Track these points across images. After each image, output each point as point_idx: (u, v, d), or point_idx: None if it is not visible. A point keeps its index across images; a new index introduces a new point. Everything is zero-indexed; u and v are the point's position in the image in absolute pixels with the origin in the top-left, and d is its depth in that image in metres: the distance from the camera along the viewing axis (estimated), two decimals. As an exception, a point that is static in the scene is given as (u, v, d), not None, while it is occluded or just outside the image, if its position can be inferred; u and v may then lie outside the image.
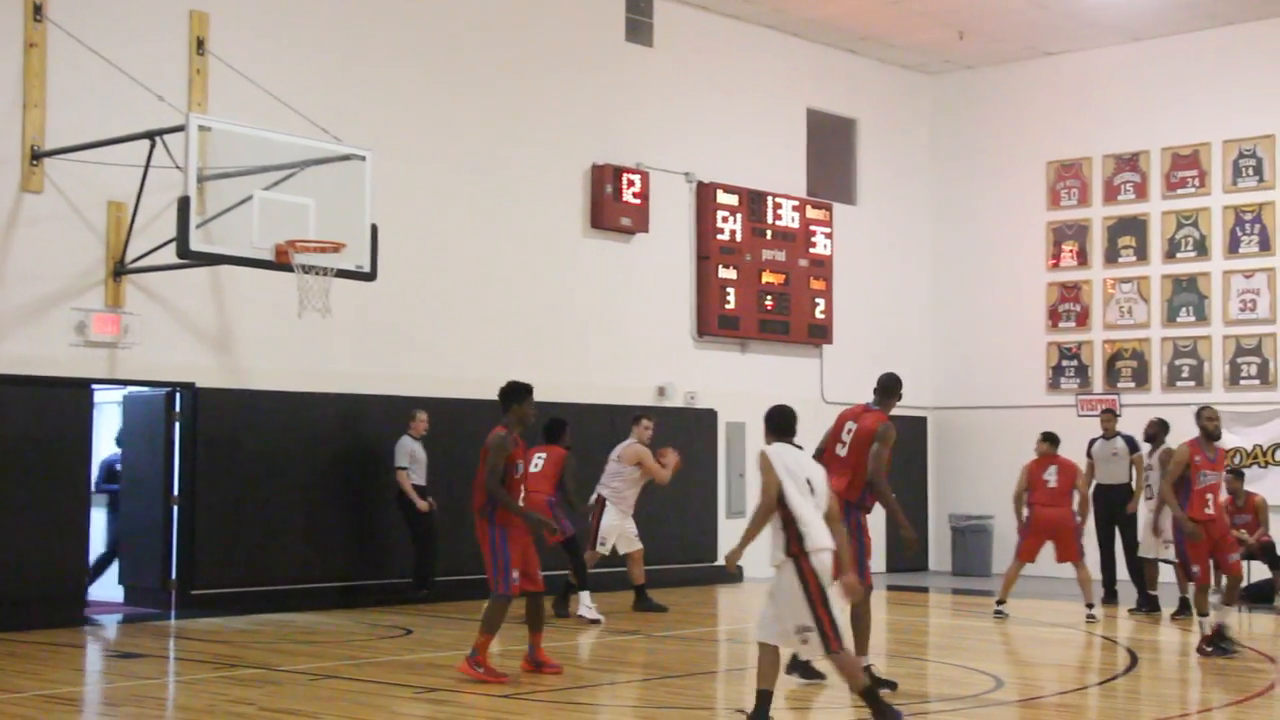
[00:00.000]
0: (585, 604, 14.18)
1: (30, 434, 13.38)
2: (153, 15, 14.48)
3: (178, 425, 14.79)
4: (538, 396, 17.03)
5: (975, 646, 13.68)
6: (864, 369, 21.39)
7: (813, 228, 20.64)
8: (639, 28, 19.01)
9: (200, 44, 14.66)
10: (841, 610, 8.54)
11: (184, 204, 12.40)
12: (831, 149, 21.66)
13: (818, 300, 20.62)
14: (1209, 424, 12.42)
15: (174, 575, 14.67)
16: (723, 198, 19.64)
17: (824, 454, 10.24)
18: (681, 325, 19.39)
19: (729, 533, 19.02)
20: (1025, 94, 21.84)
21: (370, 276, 13.60)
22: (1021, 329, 21.64)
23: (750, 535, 8.53)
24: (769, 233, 20.09)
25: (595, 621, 14.00)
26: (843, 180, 21.82)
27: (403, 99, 16.48)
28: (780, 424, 8.84)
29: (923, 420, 22.26)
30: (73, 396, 13.85)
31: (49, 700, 9.81)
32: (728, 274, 19.61)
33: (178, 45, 14.58)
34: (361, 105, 15.81)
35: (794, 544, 8.30)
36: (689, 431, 18.40)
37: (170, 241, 12.85)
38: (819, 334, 20.69)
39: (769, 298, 20.01)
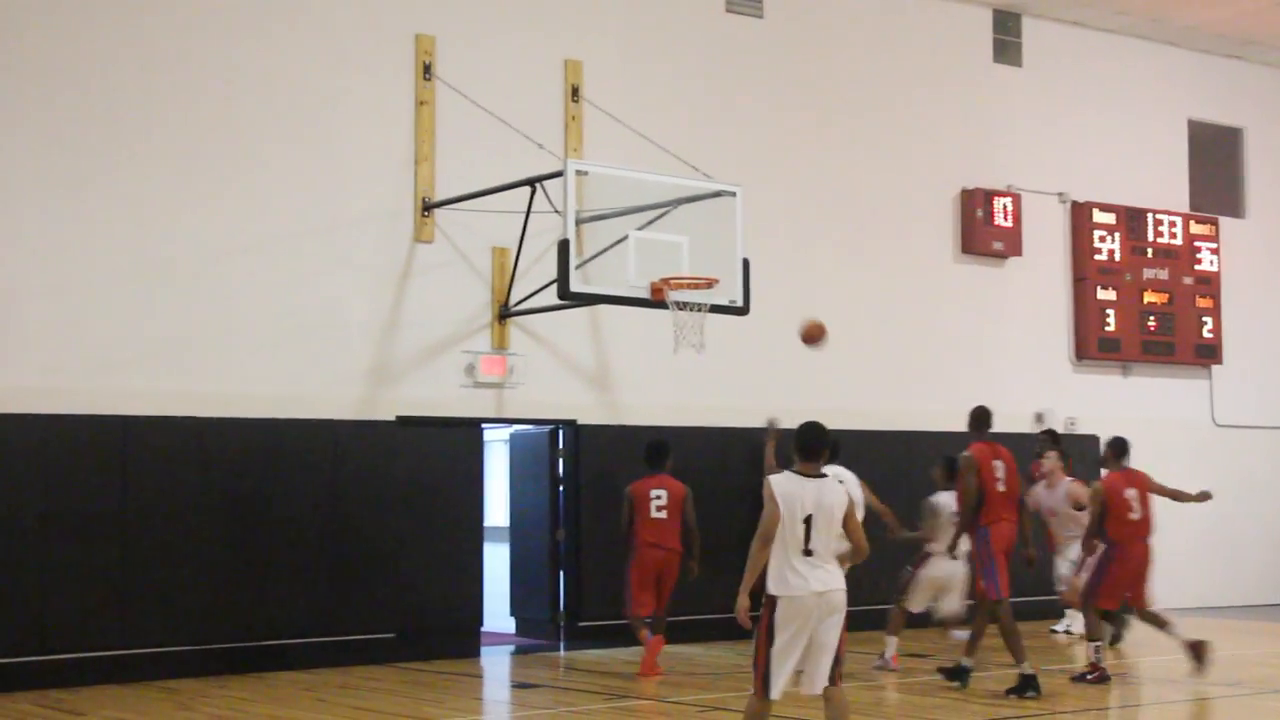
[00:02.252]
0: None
1: (427, 472, 14.03)
2: (530, 67, 15.06)
3: (561, 461, 15.25)
4: (915, 425, 17.08)
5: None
6: (1261, 389, 20.41)
7: (1197, 244, 19.73)
8: (1007, 48, 18.60)
9: (575, 91, 15.16)
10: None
11: (564, 247, 12.76)
12: (1216, 160, 20.64)
13: (1205, 319, 19.67)
14: None
15: (562, 607, 15.11)
16: (1099, 216, 18.99)
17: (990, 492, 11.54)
18: (1059, 349, 18.81)
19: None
20: None
21: (743, 311, 13.66)
22: None
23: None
24: (1150, 251, 19.30)
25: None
26: (1230, 193, 20.75)
27: (770, 132, 16.60)
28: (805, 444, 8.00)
29: (1328, 443, 20.90)
30: (464, 435, 14.46)
31: (454, 728, 10.24)
32: (1106, 295, 18.92)
33: (554, 94, 15.12)
34: (729, 141, 16.01)
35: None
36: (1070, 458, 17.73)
37: (551, 284, 13.24)
38: (1207, 354, 19.71)
39: (1151, 318, 19.21)
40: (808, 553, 7.76)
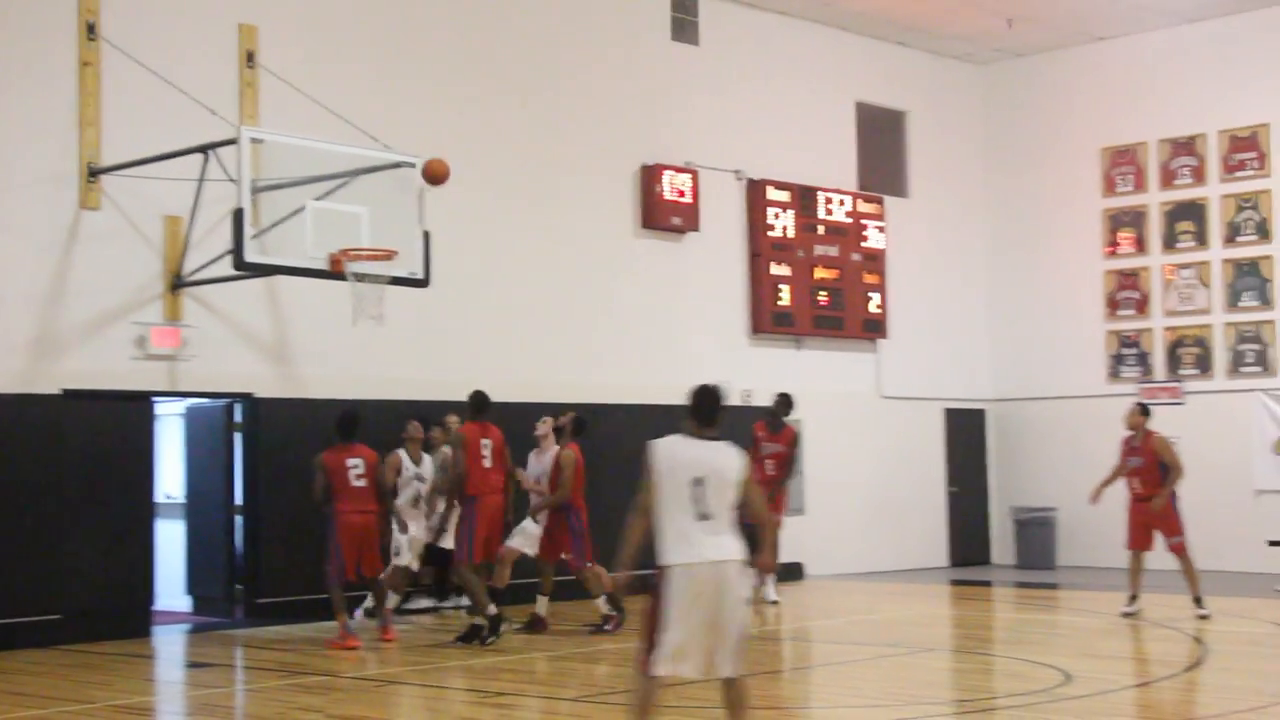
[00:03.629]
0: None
1: (94, 447, 13.51)
2: (203, 30, 14.60)
3: (238, 436, 14.90)
4: (599, 398, 17.30)
5: (1041, 640, 13.58)
6: (921, 362, 21.47)
7: (864, 222, 20.55)
8: (685, 26, 18.99)
9: (250, 57, 14.77)
10: None
11: (238, 216, 12.48)
12: (882, 142, 21.55)
13: (871, 294, 20.52)
14: None
15: (239, 584, 14.78)
16: (773, 194, 19.58)
17: None
18: (735, 323, 19.34)
19: (790, 531, 18.94)
20: (1077, 80, 21.65)
21: (423, 283, 13.64)
22: (1079, 318, 21.44)
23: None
24: (821, 228, 20.02)
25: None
26: (894, 173, 21.70)
27: (451, 105, 16.52)
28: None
29: (981, 413, 22.12)
30: (134, 409, 13.97)
31: (121, 710, 9.90)
32: (780, 270, 19.54)
33: (228, 59, 14.69)
34: (410, 113, 15.86)
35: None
36: (745, 430, 18.29)
37: (226, 254, 12.94)
38: (874, 328, 20.58)
39: (822, 293, 19.94)
40: (703, 517, 7.20)
